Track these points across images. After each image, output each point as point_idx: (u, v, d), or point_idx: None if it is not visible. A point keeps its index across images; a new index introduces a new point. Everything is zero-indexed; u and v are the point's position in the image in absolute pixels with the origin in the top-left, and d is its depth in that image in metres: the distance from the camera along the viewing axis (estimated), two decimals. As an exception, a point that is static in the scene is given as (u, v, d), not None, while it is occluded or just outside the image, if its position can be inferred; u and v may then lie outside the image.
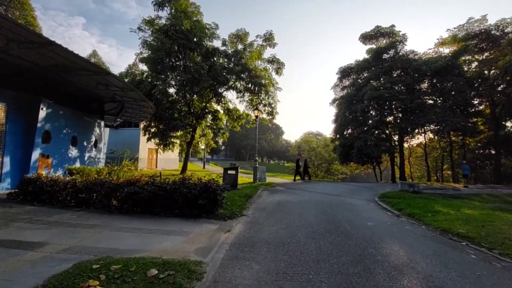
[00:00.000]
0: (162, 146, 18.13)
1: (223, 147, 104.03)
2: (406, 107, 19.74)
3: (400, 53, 23.52)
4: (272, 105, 21.42)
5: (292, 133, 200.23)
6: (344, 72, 29.34)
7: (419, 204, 8.39)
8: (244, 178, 18.60)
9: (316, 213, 7.02)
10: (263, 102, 21.08)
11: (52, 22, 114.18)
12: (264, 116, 22.12)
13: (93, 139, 14.93)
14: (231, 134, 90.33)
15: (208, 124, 22.01)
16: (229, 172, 11.85)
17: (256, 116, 15.61)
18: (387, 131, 23.07)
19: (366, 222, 6.15)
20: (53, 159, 11.20)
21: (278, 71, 20.11)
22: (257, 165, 15.04)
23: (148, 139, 17.73)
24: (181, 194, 6.13)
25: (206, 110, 20.37)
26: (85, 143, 13.90)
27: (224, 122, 24.67)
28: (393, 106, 20.44)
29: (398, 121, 19.89)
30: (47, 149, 10.86)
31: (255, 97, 20.77)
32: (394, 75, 23.08)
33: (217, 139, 23.24)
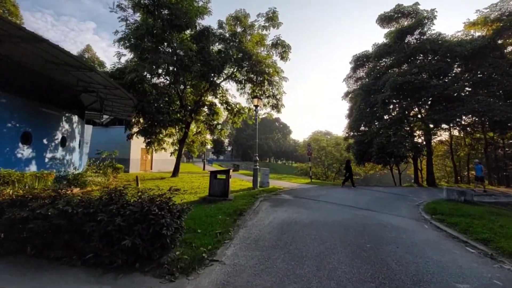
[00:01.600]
0: (145, 144, 15.41)
1: (229, 147, 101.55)
2: (440, 95, 16.43)
3: (428, 34, 20.15)
4: (277, 97, 18.47)
5: (300, 132, 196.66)
6: (359, 61, 26.06)
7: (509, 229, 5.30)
8: (245, 182, 15.73)
9: (348, 253, 4.04)
10: (267, 93, 18.16)
11: (64, 28, 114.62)
12: (268, 110, 19.21)
13: (58, 136, 12.30)
14: (236, 134, 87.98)
15: (204, 119, 19.22)
16: (218, 177, 8.96)
17: (256, 106, 12.68)
18: (411, 126, 19.75)
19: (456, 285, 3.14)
20: (-13, 160, 8.58)
21: (283, 55, 17.13)
22: (257, 166, 12.11)
23: (129, 137, 15.06)
24: (97, 225, 3.28)
25: (200, 103, 17.56)
26: (45, 141, 11.27)
27: (224, 117, 21.87)
28: (422, 96, 17.12)
29: (430, 112, 16.59)
30: (-23, 148, 8.25)
31: (257, 88, 17.88)
32: (420, 60, 19.71)
33: (214, 136, 20.34)
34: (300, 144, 63.94)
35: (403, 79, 16.97)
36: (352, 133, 24.22)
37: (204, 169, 30.43)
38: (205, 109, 18.84)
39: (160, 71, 15.12)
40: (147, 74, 15.31)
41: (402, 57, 19.90)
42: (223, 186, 8.73)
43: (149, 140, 15.25)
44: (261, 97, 15.95)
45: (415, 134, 20.23)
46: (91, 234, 3.32)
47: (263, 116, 19.79)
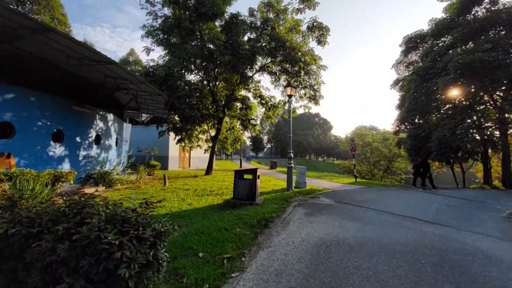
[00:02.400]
0: (176, 141, 14.99)
1: (269, 144, 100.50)
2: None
3: (501, 2, 16.18)
4: (315, 87, 16.59)
5: (341, 128, 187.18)
6: (411, 42, 22.48)
7: None
8: (280, 181, 14.34)
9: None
10: (303, 83, 16.41)
11: (119, 38, 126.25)
12: (305, 102, 17.44)
13: (93, 134, 12.41)
14: (275, 130, 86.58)
15: (236, 115, 18.25)
16: (245, 177, 7.73)
17: (289, 96, 11.12)
18: (482, 115, 16.01)
19: None
20: (20, 158, 8.66)
21: (321, 39, 15.15)
22: (292, 164, 10.60)
23: (161, 134, 14.78)
24: (39, 253, 2.27)
25: (233, 97, 16.59)
26: (78, 139, 11.37)
27: (259, 113, 20.71)
28: (497, 77, 13.55)
29: (510, 97, 12.95)
30: (9, 146, 8.33)
31: (293, 80, 16.24)
32: (493, 35, 15.86)
33: (248, 133, 19.31)
34: (342, 140, 59.62)
35: (472, 57, 13.64)
36: (404, 126, 21.00)
37: (241, 166, 29.78)
38: (238, 103, 17.85)
39: (190, 65, 14.48)
40: (178, 70, 14.84)
41: (468, 33, 16.22)
42: (249, 188, 7.47)
43: (180, 137, 14.78)
44: (296, 86, 14.35)
45: (487, 125, 16.42)
46: (32, 264, 2.32)
47: (300, 108, 18.05)
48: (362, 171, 36.98)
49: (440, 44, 19.16)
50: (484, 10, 16.73)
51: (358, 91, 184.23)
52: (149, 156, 21.35)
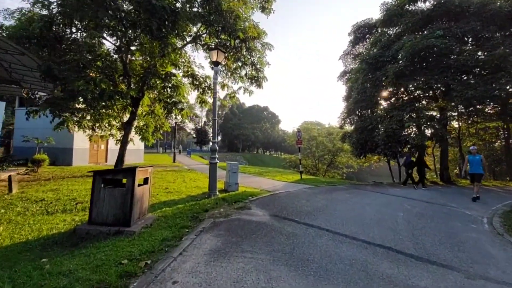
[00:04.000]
0: (55, 126, 10.44)
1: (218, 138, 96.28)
2: (476, 65, 12.17)
3: None
4: (257, 66, 13.78)
5: (289, 123, 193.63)
6: (360, 32, 21.62)
7: None
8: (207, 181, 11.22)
9: None
10: (243, 59, 13.45)
11: None
12: (247, 84, 14.52)
13: None
14: (223, 123, 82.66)
15: (162, 98, 14.29)
16: (116, 181, 4.35)
17: (215, 63, 7.99)
18: (431, 108, 15.58)
19: None
20: None
21: (265, 5, 12.36)
22: (216, 160, 7.54)
23: (28, 113, 9.96)
24: None
25: (151, 72, 12.60)
26: None
27: (190, 95, 17.01)
28: (449, 66, 12.71)
29: (460, 87, 12.23)
30: None
31: (231, 54, 13.12)
32: (444, 23, 15.27)
33: (168, 118, 15.63)
34: (289, 134, 59.45)
35: (425, 42, 12.59)
36: (349, 120, 19.97)
37: (174, 161, 25.59)
38: (160, 81, 13.91)
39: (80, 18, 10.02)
40: (64, 23, 10.30)
41: (419, 21, 15.47)
42: (121, 205, 4.14)
43: (61, 119, 10.30)
44: (226, 52, 11.38)
45: (435, 117, 15.82)
46: None
47: (239, 91, 14.96)
48: (307, 165, 36.40)
49: (390, 32, 18.25)
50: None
51: (306, 83, 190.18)
52: (39, 148, 15.88)
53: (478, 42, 13.87)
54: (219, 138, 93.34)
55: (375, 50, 16.99)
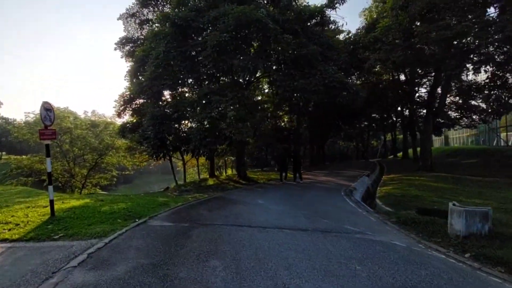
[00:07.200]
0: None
1: None
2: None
3: None
4: None
5: (17, 108, 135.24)
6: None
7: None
8: None
9: None
10: None
11: None
12: None
13: None
14: None
15: None
16: None
17: None
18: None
19: None
20: None
21: None
22: None
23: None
24: None
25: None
26: None
27: None
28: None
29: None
30: None
31: None
32: None
33: None
34: (18, 124, 36.34)
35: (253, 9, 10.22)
36: (140, 103, 14.05)
37: None
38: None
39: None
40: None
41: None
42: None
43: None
44: None
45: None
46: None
47: None
48: (56, 170, 23.81)
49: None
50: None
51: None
52: None
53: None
54: None
55: (183, 12, 12.50)
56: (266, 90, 25.89)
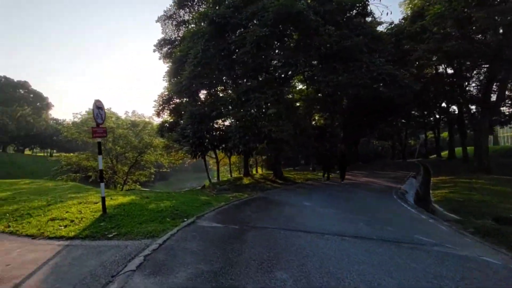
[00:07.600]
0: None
1: None
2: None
3: None
4: None
5: (68, 109, 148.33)
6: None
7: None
8: None
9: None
10: None
11: None
12: None
13: None
14: None
15: None
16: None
17: None
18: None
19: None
20: None
21: None
22: None
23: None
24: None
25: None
26: None
27: None
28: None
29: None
30: None
31: None
32: None
33: None
34: (67, 124, 39.67)
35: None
36: (177, 102, 14.23)
37: None
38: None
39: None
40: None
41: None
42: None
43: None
44: None
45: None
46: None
47: None
48: (96, 167, 25.42)
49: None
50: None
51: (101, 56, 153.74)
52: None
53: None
54: None
55: (219, 9, 12.38)
56: (298, 88, 25.15)
